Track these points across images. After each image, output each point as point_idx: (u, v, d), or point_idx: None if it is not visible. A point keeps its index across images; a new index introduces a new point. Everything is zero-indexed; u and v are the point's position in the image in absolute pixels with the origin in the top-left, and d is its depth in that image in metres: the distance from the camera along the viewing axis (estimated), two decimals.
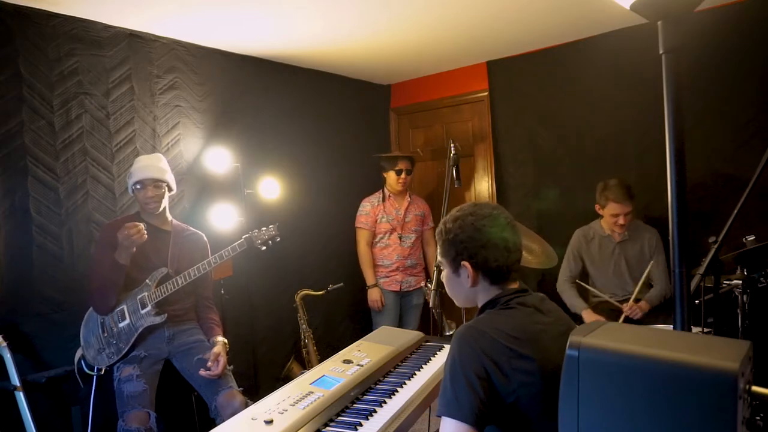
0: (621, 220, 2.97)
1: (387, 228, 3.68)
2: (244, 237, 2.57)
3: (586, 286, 3.19)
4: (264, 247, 2.61)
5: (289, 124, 3.79)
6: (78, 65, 2.68)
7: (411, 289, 3.71)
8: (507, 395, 1.17)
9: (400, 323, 3.77)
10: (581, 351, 0.82)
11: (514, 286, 1.36)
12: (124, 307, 2.44)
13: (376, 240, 3.71)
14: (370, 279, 3.70)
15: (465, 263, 1.34)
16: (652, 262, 2.94)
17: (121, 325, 2.42)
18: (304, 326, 3.52)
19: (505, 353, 1.18)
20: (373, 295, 3.69)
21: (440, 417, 1.20)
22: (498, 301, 1.33)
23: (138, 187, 2.49)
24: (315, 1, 2.63)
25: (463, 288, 1.39)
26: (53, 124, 2.60)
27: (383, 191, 3.75)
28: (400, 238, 3.67)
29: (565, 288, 3.23)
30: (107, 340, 2.41)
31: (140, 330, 2.42)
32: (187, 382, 2.50)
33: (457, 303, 1.45)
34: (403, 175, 3.67)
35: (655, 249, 3.02)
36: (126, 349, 2.41)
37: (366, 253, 3.72)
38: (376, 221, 3.70)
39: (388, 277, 3.69)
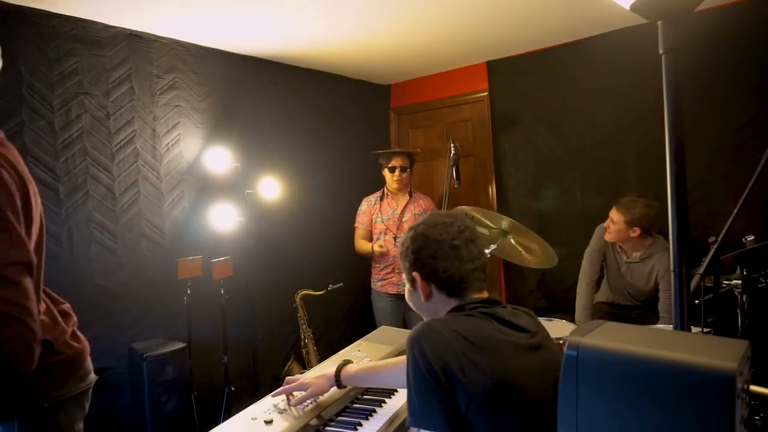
0: (610, 227, 2.88)
1: (382, 228, 3.61)
2: None
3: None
4: None
5: (289, 124, 3.79)
6: (78, 65, 2.68)
7: None
8: (461, 403, 1.09)
9: (407, 328, 3.70)
10: (580, 351, 0.82)
11: (479, 296, 1.28)
12: None
13: (375, 241, 3.69)
14: (371, 248, 3.56)
15: (415, 274, 1.29)
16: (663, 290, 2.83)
17: None
18: (304, 326, 3.52)
19: (457, 357, 1.10)
20: (376, 246, 3.53)
21: (411, 428, 1.12)
22: (460, 308, 1.25)
23: None
24: (315, 1, 2.63)
25: (422, 303, 1.31)
26: (53, 124, 2.60)
27: (383, 190, 3.71)
28: (394, 238, 3.55)
29: (580, 290, 3.07)
30: None
31: None
32: (189, 382, 2.48)
33: (424, 317, 1.35)
34: (397, 173, 3.54)
35: (663, 277, 2.83)
36: None
37: (361, 243, 3.65)
38: (371, 221, 3.66)
39: (384, 279, 3.61)
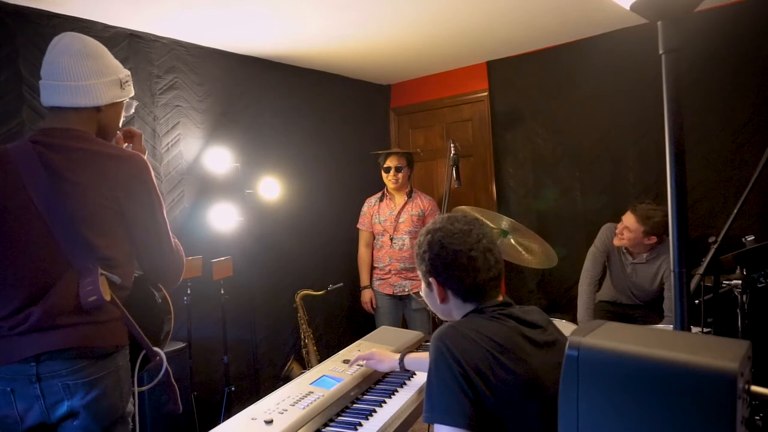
0: (623, 234, 2.83)
1: (380, 229, 3.62)
2: None
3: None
4: None
5: (289, 124, 3.79)
6: None
7: (404, 293, 3.55)
8: (488, 402, 1.13)
9: (405, 328, 3.68)
10: (581, 351, 0.82)
11: (494, 300, 1.31)
12: None
13: (375, 241, 3.69)
14: (363, 280, 3.68)
15: (432, 280, 1.32)
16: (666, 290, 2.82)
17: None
18: (304, 326, 3.52)
19: (486, 359, 1.14)
20: (364, 297, 3.67)
21: (429, 424, 1.15)
22: (479, 311, 1.29)
23: (131, 102, 1.85)
24: (315, 1, 2.63)
25: (437, 302, 1.35)
26: None
27: (383, 191, 3.70)
28: (391, 239, 3.56)
29: (582, 290, 3.04)
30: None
31: None
32: (189, 382, 2.49)
33: (438, 315, 1.42)
34: (392, 173, 3.52)
35: (669, 277, 2.80)
36: None
37: (363, 254, 3.70)
38: (371, 222, 3.67)
39: (383, 279, 3.61)
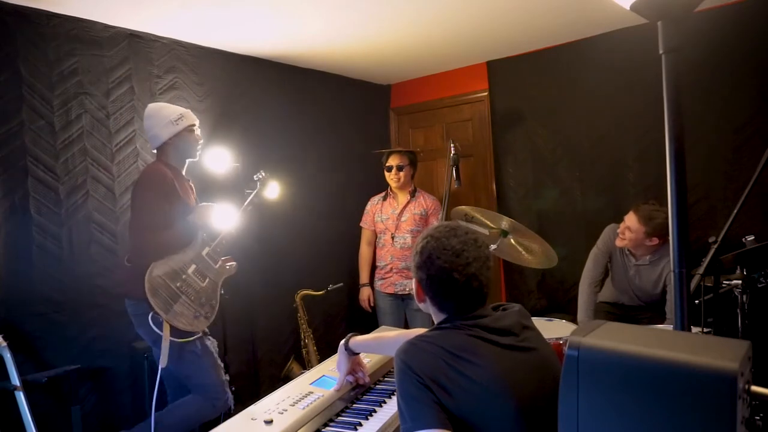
0: (624, 234, 2.80)
1: (382, 227, 3.63)
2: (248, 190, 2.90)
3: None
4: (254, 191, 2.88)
5: (289, 124, 3.79)
6: (78, 65, 2.68)
7: (405, 292, 3.55)
8: (451, 406, 1.16)
9: (408, 328, 3.71)
10: (581, 351, 0.82)
11: (470, 313, 1.30)
12: (195, 266, 2.41)
13: (377, 240, 3.70)
14: (362, 278, 3.70)
15: (416, 280, 1.37)
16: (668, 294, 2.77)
17: (203, 284, 2.43)
18: (304, 326, 3.52)
19: (441, 368, 1.18)
20: (362, 295, 3.69)
21: None
22: (448, 321, 1.32)
23: (193, 129, 2.50)
24: (315, 1, 2.63)
25: (416, 298, 1.40)
26: (53, 124, 2.60)
27: (387, 189, 3.71)
28: (392, 238, 3.58)
29: (583, 290, 3.01)
30: (198, 302, 2.40)
31: (220, 285, 2.52)
32: None
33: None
34: (394, 171, 3.54)
35: (671, 279, 2.74)
36: (217, 306, 2.49)
37: (364, 252, 3.72)
38: (374, 220, 3.69)
39: (384, 279, 3.61)
